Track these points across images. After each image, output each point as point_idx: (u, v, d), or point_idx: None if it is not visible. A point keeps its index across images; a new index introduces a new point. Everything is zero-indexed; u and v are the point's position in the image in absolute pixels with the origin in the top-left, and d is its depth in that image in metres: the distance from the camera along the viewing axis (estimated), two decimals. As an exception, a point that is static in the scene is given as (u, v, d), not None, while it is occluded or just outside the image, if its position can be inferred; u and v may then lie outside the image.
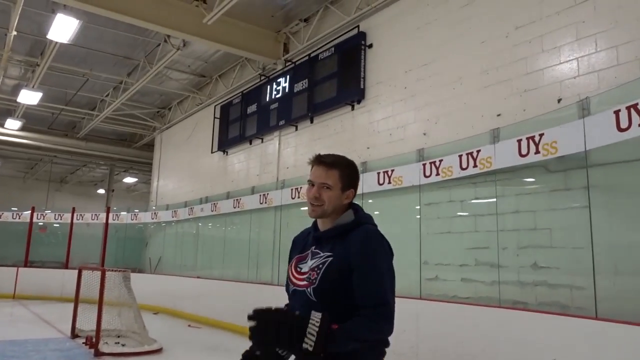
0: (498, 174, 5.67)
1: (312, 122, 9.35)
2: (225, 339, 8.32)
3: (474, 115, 6.33)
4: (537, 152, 5.10)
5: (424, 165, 6.46)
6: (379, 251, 1.94)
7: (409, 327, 5.48)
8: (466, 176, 5.95)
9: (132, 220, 14.84)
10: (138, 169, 21.01)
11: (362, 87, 8.19)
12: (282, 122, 9.99)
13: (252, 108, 11.09)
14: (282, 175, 9.94)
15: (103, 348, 6.66)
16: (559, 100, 5.39)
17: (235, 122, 11.66)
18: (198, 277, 11.06)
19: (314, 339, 1.72)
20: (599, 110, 4.61)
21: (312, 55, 9.38)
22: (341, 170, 2.04)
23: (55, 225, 15.93)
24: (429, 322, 5.49)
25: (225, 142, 12.12)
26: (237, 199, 10.68)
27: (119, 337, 7.57)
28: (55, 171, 22.97)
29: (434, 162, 6.34)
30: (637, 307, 4.28)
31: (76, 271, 8.40)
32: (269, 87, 10.50)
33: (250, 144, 11.30)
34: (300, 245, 2.16)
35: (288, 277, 2.10)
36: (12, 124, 15.85)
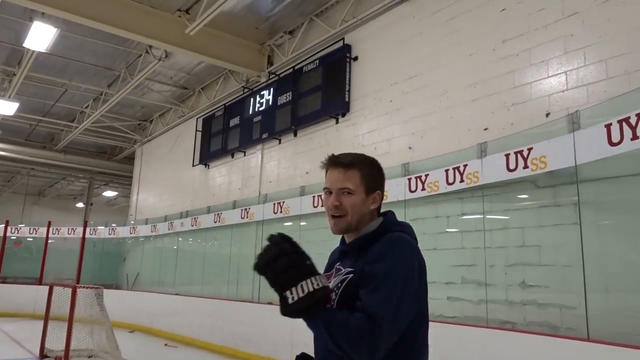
0: (485, 189, 5.53)
1: (295, 135, 9.18)
2: (201, 359, 8.00)
3: (461, 129, 6.21)
4: (526, 166, 4.98)
5: (410, 179, 6.31)
6: (399, 261, 1.57)
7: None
8: (453, 191, 5.81)
9: (109, 234, 14.47)
10: (118, 183, 20.66)
11: (347, 100, 8.05)
12: (265, 135, 9.80)
13: (234, 121, 10.89)
14: (264, 190, 9.72)
15: (72, 369, 6.36)
16: (547, 115, 5.29)
17: (218, 135, 11.44)
18: (176, 294, 10.74)
19: (299, 296, 1.45)
20: (589, 124, 4.51)
21: (296, 67, 9.24)
22: (362, 169, 1.74)
23: (29, 239, 15.46)
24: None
25: (207, 155, 11.89)
26: (218, 214, 10.43)
27: (90, 357, 7.27)
28: (33, 184, 22.50)
29: (420, 177, 6.20)
30: (630, 326, 4.13)
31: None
32: (252, 99, 10.32)
33: (233, 157, 11.08)
34: (330, 261, 1.87)
35: None
36: (-12, 135, 15.47)
